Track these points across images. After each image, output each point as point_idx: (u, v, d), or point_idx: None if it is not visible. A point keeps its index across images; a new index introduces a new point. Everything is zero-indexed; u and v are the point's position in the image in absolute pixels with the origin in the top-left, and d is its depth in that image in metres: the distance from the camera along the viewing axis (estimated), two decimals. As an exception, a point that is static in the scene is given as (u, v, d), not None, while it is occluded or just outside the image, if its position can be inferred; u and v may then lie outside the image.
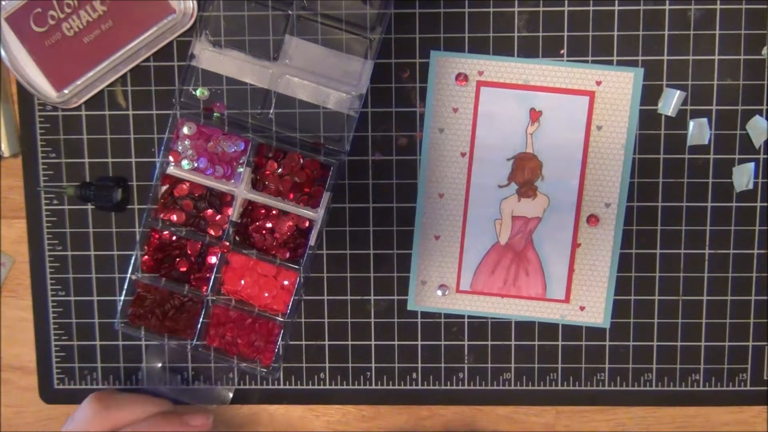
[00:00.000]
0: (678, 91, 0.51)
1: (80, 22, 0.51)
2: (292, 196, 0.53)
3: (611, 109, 0.52)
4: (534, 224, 0.53)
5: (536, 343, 0.54)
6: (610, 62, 0.52)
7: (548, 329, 0.54)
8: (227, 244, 0.53)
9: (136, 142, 0.53)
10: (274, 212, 0.53)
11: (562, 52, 0.52)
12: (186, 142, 0.53)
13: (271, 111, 0.52)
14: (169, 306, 0.54)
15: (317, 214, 0.52)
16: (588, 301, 0.53)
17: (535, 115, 0.52)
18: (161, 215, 0.53)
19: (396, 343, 0.54)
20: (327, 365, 0.55)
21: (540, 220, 0.53)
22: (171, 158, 0.52)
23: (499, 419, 0.55)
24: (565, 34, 0.52)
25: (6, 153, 0.53)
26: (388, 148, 0.53)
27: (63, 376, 0.55)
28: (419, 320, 0.54)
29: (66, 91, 0.52)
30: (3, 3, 0.51)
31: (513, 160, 0.53)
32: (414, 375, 0.55)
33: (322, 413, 0.56)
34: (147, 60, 0.53)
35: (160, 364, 0.55)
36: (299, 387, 0.55)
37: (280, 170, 0.53)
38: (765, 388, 0.54)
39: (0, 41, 0.51)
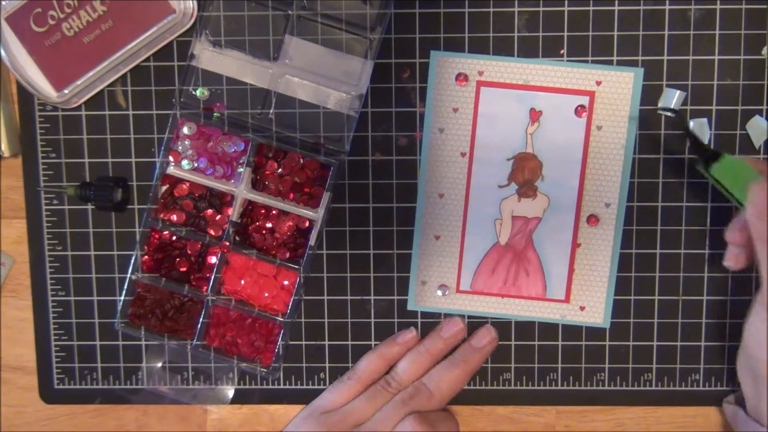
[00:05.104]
0: (678, 91, 0.51)
1: (80, 22, 0.51)
2: (292, 196, 0.53)
3: (611, 109, 0.52)
4: (534, 224, 0.53)
5: (536, 343, 0.54)
6: (610, 62, 0.52)
7: (548, 329, 0.54)
8: (227, 244, 0.53)
9: (136, 142, 0.53)
10: (274, 212, 0.53)
11: (562, 52, 0.52)
12: (186, 142, 0.53)
13: (271, 111, 0.52)
14: (169, 306, 0.54)
15: (317, 214, 0.52)
16: (588, 301, 0.53)
17: (535, 115, 0.52)
18: (161, 215, 0.53)
19: (396, 343, 0.54)
20: (327, 365, 0.55)
21: (540, 220, 0.53)
22: (171, 158, 0.52)
23: (499, 419, 0.55)
24: (565, 34, 0.51)
25: (6, 153, 0.53)
26: (388, 148, 0.53)
27: (63, 376, 0.55)
28: (419, 320, 0.54)
29: (66, 91, 0.52)
30: (3, 3, 0.51)
31: (513, 160, 0.53)
32: (414, 375, 0.55)
33: (322, 413, 0.56)
34: (147, 60, 0.53)
35: (160, 364, 0.55)
36: (299, 387, 0.55)
37: (280, 170, 0.53)
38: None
39: (0, 41, 0.51)
